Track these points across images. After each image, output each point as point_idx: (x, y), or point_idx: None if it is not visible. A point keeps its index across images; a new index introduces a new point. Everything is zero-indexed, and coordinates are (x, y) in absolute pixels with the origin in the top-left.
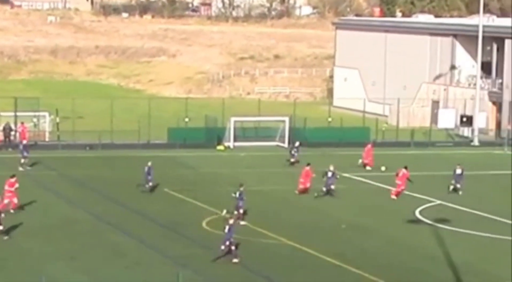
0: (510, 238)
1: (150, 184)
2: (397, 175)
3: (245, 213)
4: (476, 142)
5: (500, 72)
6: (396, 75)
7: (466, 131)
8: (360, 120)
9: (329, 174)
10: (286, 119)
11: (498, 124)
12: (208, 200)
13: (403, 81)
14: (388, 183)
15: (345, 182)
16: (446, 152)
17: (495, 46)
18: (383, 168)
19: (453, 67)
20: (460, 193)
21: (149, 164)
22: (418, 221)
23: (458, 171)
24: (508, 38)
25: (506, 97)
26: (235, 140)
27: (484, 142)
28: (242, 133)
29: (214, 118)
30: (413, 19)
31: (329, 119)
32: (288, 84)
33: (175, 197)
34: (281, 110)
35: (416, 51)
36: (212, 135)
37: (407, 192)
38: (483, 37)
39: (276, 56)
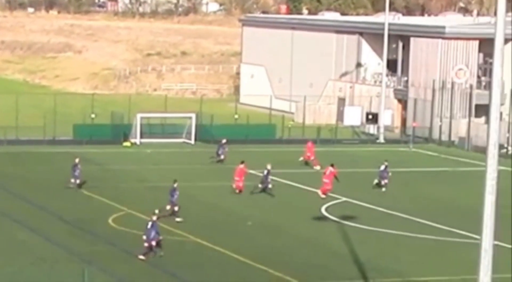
0: (413, 234)
1: (78, 181)
2: (324, 173)
3: (177, 210)
4: (381, 139)
5: (405, 70)
6: (303, 72)
7: (371, 128)
8: (266, 117)
9: (265, 172)
10: (193, 116)
11: (404, 121)
12: (114, 196)
13: (310, 78)
14: (295, 180)
15: (252, 179)
16: (352, 149)
17: (400, 44)
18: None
19: (359, 65)
20: (384, 189)
21: (76, 160)
22: (324, 218)
23: (382, 167)
24: (413, 36)
25: (411, 95)
26: (141, 136)
27: (389, 139)
28: (148, 130)
29: (120, 115)
30: (319, 16)
31: (236, 116)
32: (195, 81)
33: (81, 194)
34: (188, 107)
35: (322, 48)
36: (118, 132)
37: (313, 189)
38: (389, 35)
39: (183, 53)
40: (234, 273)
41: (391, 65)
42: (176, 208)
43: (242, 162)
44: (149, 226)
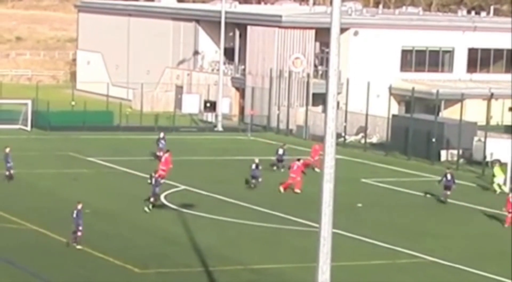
0: (252, 222)
1: (12, 171)
2: (290, 167)
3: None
4: (219, 127)
5: (242, 59)
6: (140, 59)
7: (210, 116)
8: (104, 104)
9: (253, 166)
10: (29, 102)
11: (242, 110)
12: None
13: (147, 65)
14: (134, 167)
15: (90, 166)
16: (190, 137)
17: (237, 33)
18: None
19: (196, 52)
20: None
21: (7, 150)
22: (163, 206)
23: (280, 151)
24: (250, 24)
25: (249, 83)
26: None
27: (227, 127)
28: None
29: None
30: (156, 3)
31: (73, 103)
32: (30, 67)
33: None
34: (24, 93)
35: (159, 36)
36: None
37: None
38: (226, 23)
39: (18, 38)
40: (73, 261)
41: (229, 54)
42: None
43: (168, 151)
44: (74, 215)
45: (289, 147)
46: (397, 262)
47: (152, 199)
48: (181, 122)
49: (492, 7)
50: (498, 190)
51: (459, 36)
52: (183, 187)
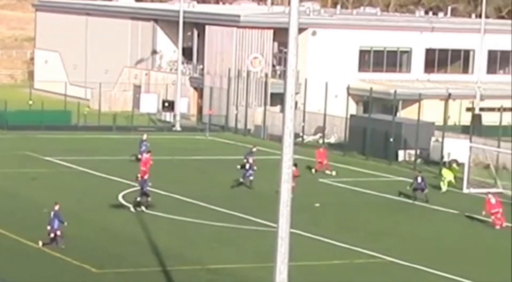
0: (210, 222)
1: None
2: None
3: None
4: (178, 127)
5: (201, 58)
6: (98, 59)
7: (168, 116)
8: (61, 103)
9: (247, 166)
10: None
11: (200, 109)
12: None
13: (105, 65)
14: (92, 167)
15: (48, 166)
16: (148, 137)
17: (195, 32)
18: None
19: (154, 52)
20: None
21: None
22: (121, 206)
23: (254, 149)
24: (208, 24)
25: (207, 83)
26: None
27: (186, 127)
28: None
29: None
30: (113, 2)
31: (30, 102)
32: None
33: None
34: None
35: (117, 35)
36: None
37: (108, 176)
38: (184, 22)
39: None
40: (32, 262)
41: (187, 53)
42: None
43: (149, 152)
44: (51, 215)
45: (246, 147)
46: (355, 262)
47: (139, 198)
48: (139, 122)
49: (449, 8)
50: (445, 188)
51: (417, 36)
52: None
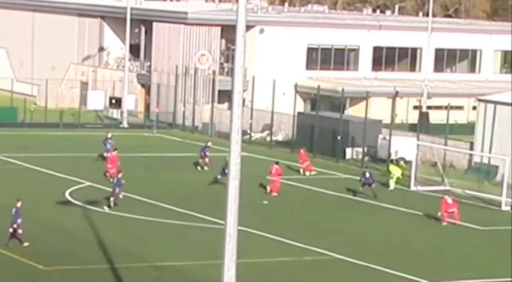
0: (158, 219)
1: None
2: (270, 172)
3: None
4: (125, 124)
5: (148, 55)
6: (45, 55)
7: (115, 113)
8: (8, 100)
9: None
10: None
11: (147, 106)
12: None
13: (52, 61)
14: (38, 164)
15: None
16: (96, 133)
17: (143, 29)
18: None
19: (101, 49)
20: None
21: None
22: (68, 203)
23: (209, 144)
24: (155, 21)
25: (154, 80)
26: None
27: (133, 124)
28: None
29: None
30: None
31: None
32: None
33: None
34: None
35: (64, 31)
36: None
37: (55, 173)
38: (131, 19)
39: None
40: None
41: (134, 50)
42: (120, 196)
43: (115, 149)
44: (13, 212)
45: (194, 144)
46: (303, 259)
47: (112, 198)
48: (87, 118)
49: (397, 6)
50: (393, 186)
51: (365, 34)
52: (88, 183)
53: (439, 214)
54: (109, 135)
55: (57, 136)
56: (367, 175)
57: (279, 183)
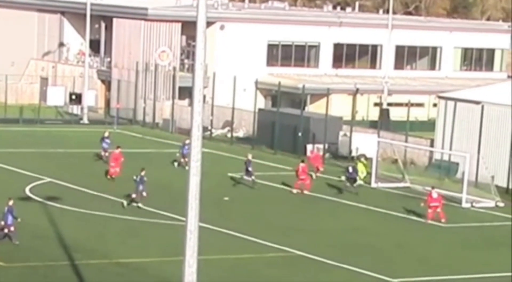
0: (118, 215)
1: None
2: (297, 170)
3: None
4: (85, 120)
5: (108, 51)
6: (4, 51)
7: (75, 109)
8: None
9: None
10: None
11: (108, 102)
12: None
13: (11, 57)
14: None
15: None
16: (56, 129)
17: (103, 25)
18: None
19: (61, 44)
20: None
21: None
22: (28, 199)
23: (187, 141)
24: (116, 17)
25: (115, 76)
26: None
27: (93, 120)
28: None
29: None
30: None
31: None
32: None
33: None
34: None
35: (24, 27)
36: None
37: (15, 169)
38: (91, 15)
39: None
40: None
41: (94, 46)
42: (144, 194)
43: (118, 147)
44: (5, 210)
45: (155, 140)
46: (265, 256)
47: (134, 195)
48: (47, 114)
49: (357, 3)
50: (361, 182)
51: (325, 31)
52: (48, 179)
53: (422, 205)
54: (106, 134)
55: (17, 132)
56: (350, 169)
57: (310, 179)
